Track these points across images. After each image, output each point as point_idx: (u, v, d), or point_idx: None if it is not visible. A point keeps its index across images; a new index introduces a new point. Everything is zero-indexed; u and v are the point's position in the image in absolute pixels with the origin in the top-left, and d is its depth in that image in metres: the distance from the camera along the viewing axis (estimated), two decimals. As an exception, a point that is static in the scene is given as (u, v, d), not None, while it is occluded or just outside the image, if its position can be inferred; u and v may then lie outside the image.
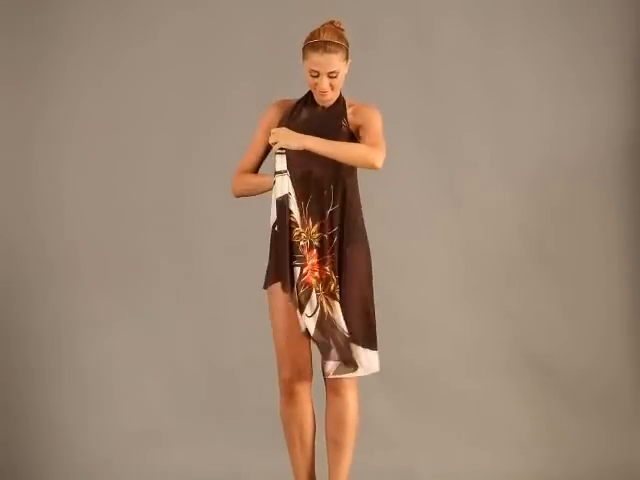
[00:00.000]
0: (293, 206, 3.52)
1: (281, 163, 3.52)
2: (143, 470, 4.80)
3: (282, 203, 3.52)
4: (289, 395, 3.56)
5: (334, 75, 3.49)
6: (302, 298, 3.50)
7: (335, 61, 3.47)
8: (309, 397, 3.59)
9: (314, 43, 3.47)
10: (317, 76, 3.48)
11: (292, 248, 3.52)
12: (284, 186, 3.52)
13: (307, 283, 3.50)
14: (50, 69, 4.98)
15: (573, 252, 5.04)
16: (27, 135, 4.99)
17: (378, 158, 3.44)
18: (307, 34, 3.52)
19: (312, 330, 3.50)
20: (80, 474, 4.79)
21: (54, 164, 5.00)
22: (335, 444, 3.58)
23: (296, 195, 3.51)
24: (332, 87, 3.50)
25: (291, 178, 3.51)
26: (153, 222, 4.99)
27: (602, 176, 5.04)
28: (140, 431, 4.91)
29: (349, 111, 3.55)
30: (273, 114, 3.62)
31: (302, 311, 3.50)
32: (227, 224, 4.95)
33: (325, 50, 3.46)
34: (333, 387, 3.56)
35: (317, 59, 3.46)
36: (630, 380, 5.01)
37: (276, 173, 3.54)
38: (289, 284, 3.49)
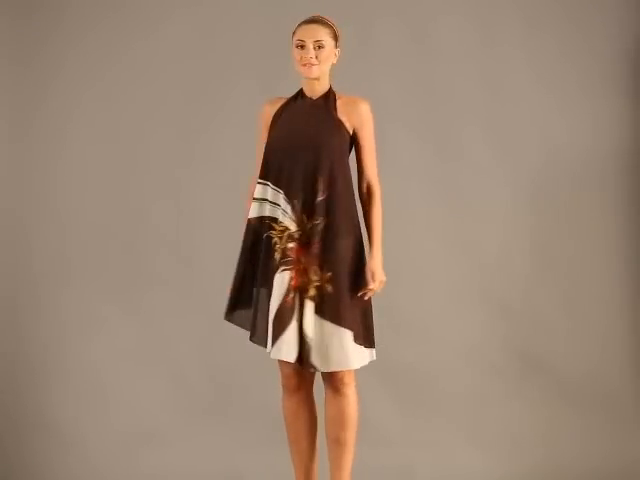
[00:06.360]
0: (280, 212, 3.50)
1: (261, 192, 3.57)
2: (143, 470, 4.80)
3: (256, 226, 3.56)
4: (291, 391, 3.58)
5: (320, 45, 3.46)
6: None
7: (321, 32, 3.47)
8: (311, 394, 3.60)
9: (303, 20, 3.50)
10: (303, 47, 3.46)
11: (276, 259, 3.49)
12: (264, 209, 3.55)
13: (295, 287, 3.47)
14: (49, 66, 4.98)
15: (574, 252, 5.04)
16: (26, 134, 4.99)
17: (379, 191, 3.62)
18: None
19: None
20: (80, 474, 4.80)
21: (55, 164, 5.00)
22: (336, 443, 3.57)
23: (287, 195, 3.49)
24: (317, 59, 3.46)
25: (282, 178, 3.50)
26: (153, 222, 5.00)
27: (604, 176, 5.04)
28: (140, 431, 4.91)
29: (339, 102, 3.53)
30: (267, 111, 3.60)
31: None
32: (227, 223, 4.95)
33: (312, 21, 3.49)
34: (332, 385, 3.55)
35: (303, 29, 3.48)
36: (630, 380, 5.01)
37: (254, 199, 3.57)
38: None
